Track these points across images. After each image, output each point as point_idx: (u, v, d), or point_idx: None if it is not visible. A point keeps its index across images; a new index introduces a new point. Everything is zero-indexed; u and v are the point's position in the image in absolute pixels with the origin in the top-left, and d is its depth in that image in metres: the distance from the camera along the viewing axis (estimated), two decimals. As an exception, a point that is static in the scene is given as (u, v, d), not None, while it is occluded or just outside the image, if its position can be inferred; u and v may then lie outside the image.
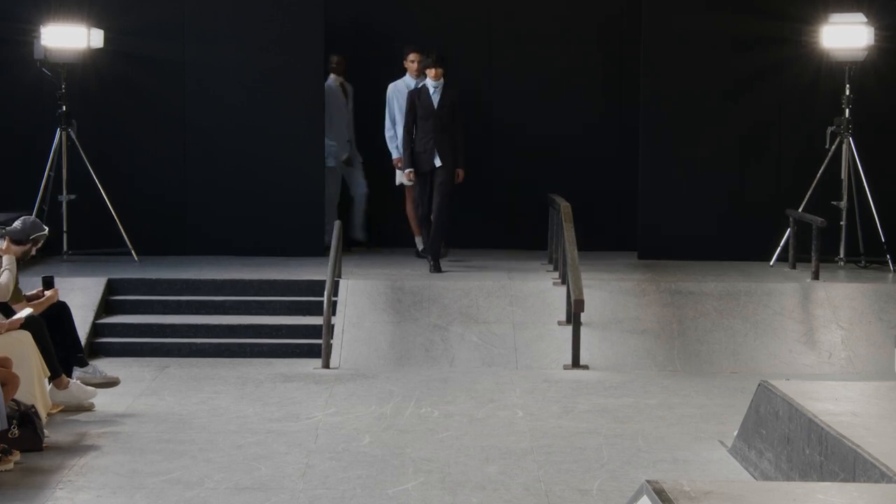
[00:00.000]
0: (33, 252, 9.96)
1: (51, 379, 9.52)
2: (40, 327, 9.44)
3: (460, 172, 13.31)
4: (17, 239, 9.70)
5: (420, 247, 13.92)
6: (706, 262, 13.87)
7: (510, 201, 14.99)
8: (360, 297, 12.17)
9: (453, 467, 8.33)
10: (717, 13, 14.08)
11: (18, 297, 9.65)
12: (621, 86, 15.05)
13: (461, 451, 8.71)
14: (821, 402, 7.72)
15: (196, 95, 14.21)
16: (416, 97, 13.22)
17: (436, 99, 13.17)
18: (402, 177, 13.60)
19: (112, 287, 12.40)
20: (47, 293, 9.88)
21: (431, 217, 13.26)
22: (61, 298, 10.09)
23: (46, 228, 10.03)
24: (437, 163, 13.16)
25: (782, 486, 6.75)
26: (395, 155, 13.85)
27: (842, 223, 13.55)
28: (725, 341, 11.77)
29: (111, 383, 10.10)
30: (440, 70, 13.12)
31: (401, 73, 14.05)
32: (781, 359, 11.62)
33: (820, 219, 12.65)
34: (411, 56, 13.79)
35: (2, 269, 9.41)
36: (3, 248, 9.67)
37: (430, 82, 13.23)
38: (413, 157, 13.25)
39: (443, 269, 13.10)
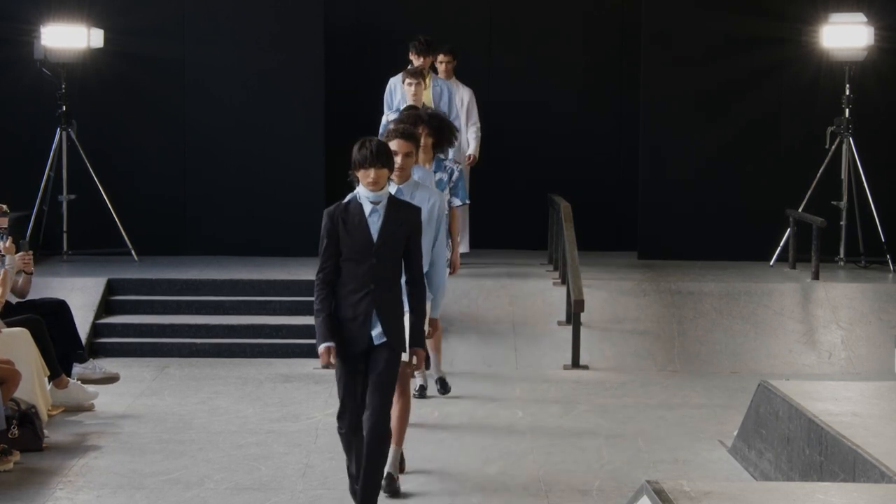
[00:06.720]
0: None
1: (51, 378, 9.52)
2: (40, 327, 9.44)
3: (419, 354, 7.31)
4: None
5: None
6: (706, 262, 13.85)
7: (510, 201, 14.98)
8: (360, 297, 12.15)
9: (453, 467, 8.33)
10: (716, 12, 14.08)
11: None
12: (621, 86, 15.05)
13: (461, 451, 8.71)
14: (821, 402, 7.72)
15: (196, 95, 14.21)
16: (341, 219, 7.05)
17: (376, 224, 7.07)
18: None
19: (112, 287, 12.39)
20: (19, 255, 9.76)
21: (363, 431, 7.23)
22: (61, 297, 10.07)
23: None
24: (377, 338, 7.13)
25: (782, 486, 6.75)
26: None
27: (842, 223, 13.55)
28: (725, 341, 11.76)
29: (111, 379, 10.11)
30: (383, 171, 6.98)
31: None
32: (781, 359, 11.61)
33: (820, 219, 12.64)
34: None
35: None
36: (6, 247, 9.66)
37: (362, 193, 7.05)
38: (334, 325, 7.10)
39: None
